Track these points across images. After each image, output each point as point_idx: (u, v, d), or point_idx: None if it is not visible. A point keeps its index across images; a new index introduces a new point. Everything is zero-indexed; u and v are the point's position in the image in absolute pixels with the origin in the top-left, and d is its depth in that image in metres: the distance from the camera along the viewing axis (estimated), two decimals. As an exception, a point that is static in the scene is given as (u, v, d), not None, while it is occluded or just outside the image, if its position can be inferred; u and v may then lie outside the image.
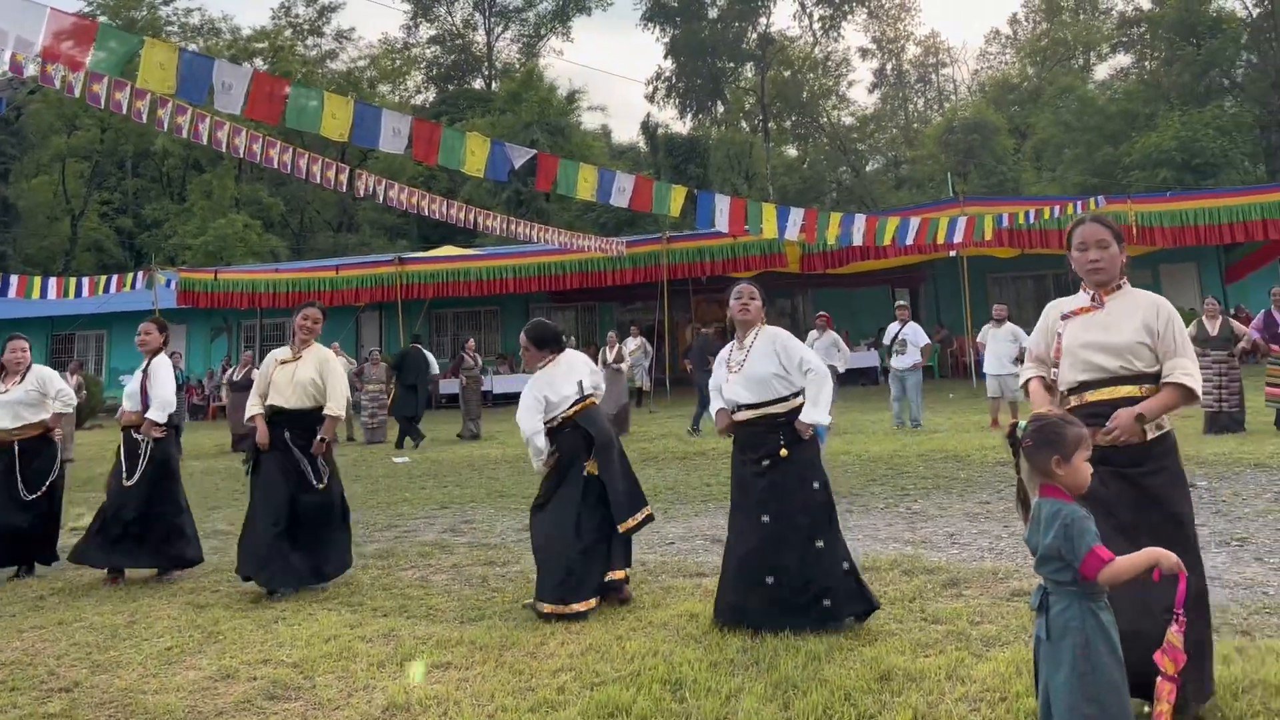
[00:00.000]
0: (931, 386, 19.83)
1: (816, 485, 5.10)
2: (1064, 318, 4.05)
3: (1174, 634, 3.02)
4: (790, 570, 4.96)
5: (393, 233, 49.70)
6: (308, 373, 6.79)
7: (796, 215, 11.31)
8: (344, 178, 12.36)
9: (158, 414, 7.28)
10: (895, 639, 4.78)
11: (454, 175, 42.61)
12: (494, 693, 4.32)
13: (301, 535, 6.59)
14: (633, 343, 18.42)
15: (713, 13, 55.19)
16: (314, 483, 6.65)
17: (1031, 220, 20.25)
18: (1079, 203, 20.55)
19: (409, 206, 14.73)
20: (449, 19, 61.16)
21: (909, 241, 14.81)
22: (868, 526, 7.84)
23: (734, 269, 24.10)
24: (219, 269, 29.53)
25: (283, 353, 7.00)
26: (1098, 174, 40.16)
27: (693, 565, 6.77)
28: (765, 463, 5.10)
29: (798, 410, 5.15)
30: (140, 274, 24.58)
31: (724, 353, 5.51)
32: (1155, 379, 3.78)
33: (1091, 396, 3.83)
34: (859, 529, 7.80)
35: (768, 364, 5.18)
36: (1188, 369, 3.74)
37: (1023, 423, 3.21)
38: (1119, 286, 3.98)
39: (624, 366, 16.79)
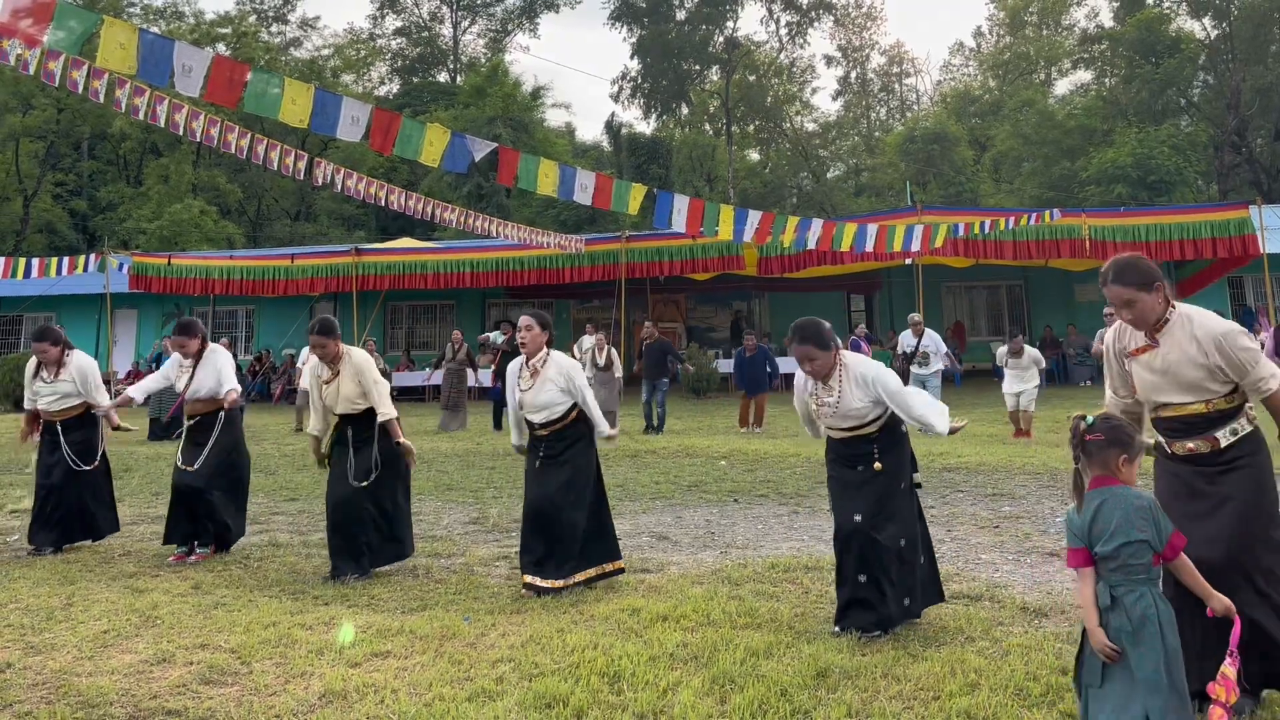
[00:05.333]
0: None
1: (903, 485, 5.15)
2: (1128, 356, 4.11)
3: (1228, 667, 3.16)
4: (882, 571, 4.95)
5: (351, 223, 49.31)
6: (349, 388, 6.93)
7: (754, 218, 11.36)
8: (302, 165, 12.27)
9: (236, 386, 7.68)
10: (835, 637, 4.83)
11: (415, 167, 42.42)
12: (432, 682, 4.32)
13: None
14: (588, 341, 17.79)
15: (680, 14, 55.20)
16: (351, 480, 6.79)
17: (986, 230, 20.46)
18: (1034, 215, 20.83)
19: (368, 197, 14.64)
20: (415, 11, 60.85)
21: (868, 248, 14.90)
22: (814, 528, 7.90)
23: (692, 269, 24.23)
24: (173, 254, 29.18)
25: (322, 373, 7.10)
26: (1054, 187, 40.73)
27: (637, 561, 6.80)
28: (860, 468, 5.17)
29: (888, 424, 5.21)
30: (93, 257, 24.27)
31: (810, 386, 5.39)
32: (1222, 394, 3.87)
33: (1165, 413, 4.00)
34: (805, 530, 7.88)
35: (859, 402, 5.16)
36: (1263, 377, 3.84)
37: (1089, 417, 3.40)
38: (1167, 320, 3.95)
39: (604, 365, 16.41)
